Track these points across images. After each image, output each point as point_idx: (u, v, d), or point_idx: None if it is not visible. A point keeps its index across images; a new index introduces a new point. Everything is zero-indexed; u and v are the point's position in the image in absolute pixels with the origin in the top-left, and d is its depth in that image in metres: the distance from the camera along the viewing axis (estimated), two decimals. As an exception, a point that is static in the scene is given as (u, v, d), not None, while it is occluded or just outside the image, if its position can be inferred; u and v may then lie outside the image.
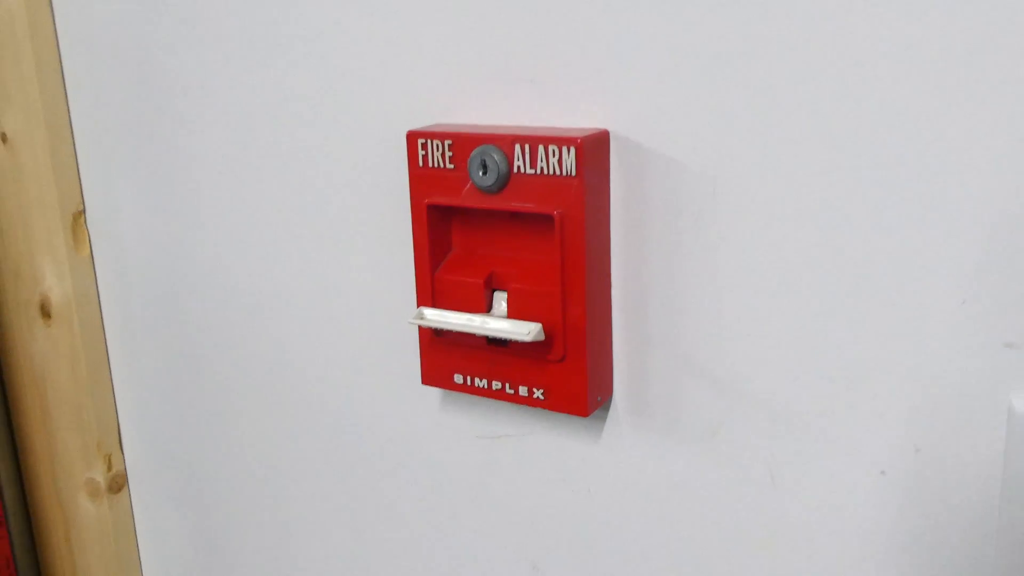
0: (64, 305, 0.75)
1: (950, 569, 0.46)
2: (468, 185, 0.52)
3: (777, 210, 0.46)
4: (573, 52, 0.50)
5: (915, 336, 0.44)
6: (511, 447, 0.58)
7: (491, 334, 0.51)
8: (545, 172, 0.49)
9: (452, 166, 0.52)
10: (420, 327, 0.56)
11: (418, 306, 0.55)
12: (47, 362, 0.78)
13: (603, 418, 0.55)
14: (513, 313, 0.52)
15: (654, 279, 0.51)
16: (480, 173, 0.51)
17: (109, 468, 0.79)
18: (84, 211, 0.74)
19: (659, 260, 0.50)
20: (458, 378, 0.56)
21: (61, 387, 0.78)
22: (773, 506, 0.50)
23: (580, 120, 0.51)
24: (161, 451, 0.78)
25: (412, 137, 0.53)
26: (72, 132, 0.73)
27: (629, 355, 0.53)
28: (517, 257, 0.53)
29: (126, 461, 0.80)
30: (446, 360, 0.56)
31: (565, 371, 0.52)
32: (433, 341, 0.56)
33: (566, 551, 0.58)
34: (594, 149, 0.49)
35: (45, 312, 0.76)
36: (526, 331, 0.50)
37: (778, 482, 0.50)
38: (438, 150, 0.52)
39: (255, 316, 0.68)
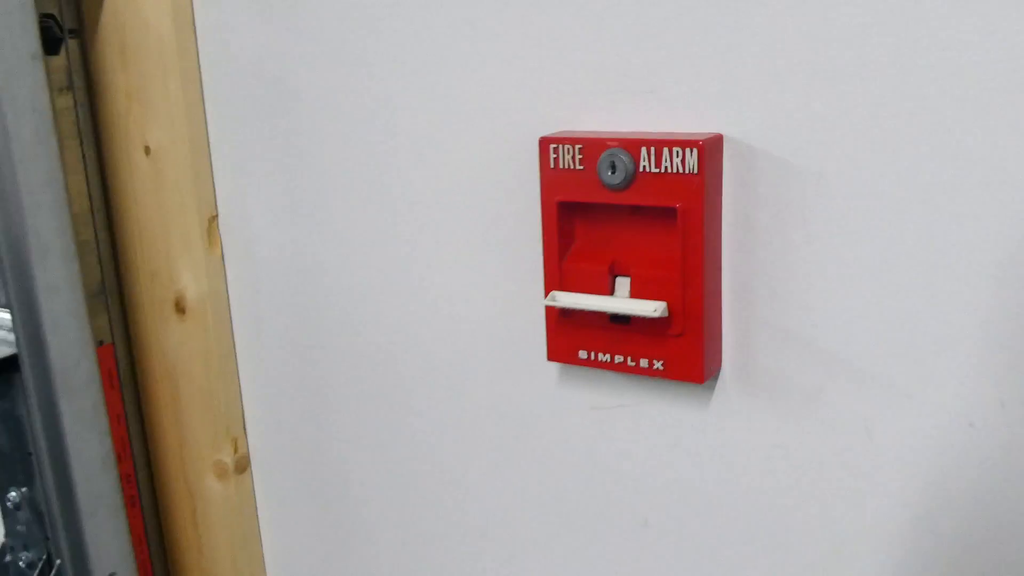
0: (198, 302, 0.83)
1: (1032, 508, 0.53)
2: (596, 183, 0.59)
3: (872, 201, 0.54)
4: (688, 65, 0.57)
5: (998, 303, 0.51)
6: (627, 415, 0.66)
7: (623, 311, 0.59)
8: (669, 171, 0.57)
9: (581, 167, 0.60)
10: (548, 309, 0.63)
11: (547, 292, 0.63)
12: (180, 354, 0.86)
13: (712, 387, 0.62)
14: (635, 295, 0.60)
15: (760, 264, 0.58)
16: (609, 172, 0.58)
17: (235, 450, 0.87)
18: (217, 216, 0.82)
19: (765, 247, 0.58)
20: (582, 354, 0.63)
21: (194, 377, 0.85)
22: (870, 460, 0.57)
23: (694, 126, 0.58)
24: (283, 435, 0.86)
25: (544, 142, 0.61)
26: (208, 144, 0.81)
27: (737, 330, 0.60)
28: (636, 246, 0.61)
29: (249, 445, 0.88)
30: (571, 339, 0.64)
31: (684, 344, 0.59)
32: (560, 322, 0.64)
33: (675, 508, 0.66)
34: (712, 150, 0.56)
35: (180, 308, 0.84)
36: (652, 308, 0.58)
37: (875, 438, 0.57)
38: (568, 153, 0.60)
39: (380, 306, 0.76)
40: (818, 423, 0.59)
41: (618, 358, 0.62)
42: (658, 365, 0.61)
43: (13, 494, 0.90)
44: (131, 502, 0.90)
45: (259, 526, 0.90)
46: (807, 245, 0.56)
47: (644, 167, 0.57)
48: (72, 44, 0.81)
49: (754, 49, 0.55)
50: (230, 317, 0.85)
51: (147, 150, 0.81)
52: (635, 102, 0.60)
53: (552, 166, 0.61)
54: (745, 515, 0.63)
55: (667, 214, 0.58)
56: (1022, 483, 0.53)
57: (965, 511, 0.55)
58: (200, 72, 0.79)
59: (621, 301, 0.60)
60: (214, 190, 0.82)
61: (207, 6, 0.77)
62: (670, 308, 0.59)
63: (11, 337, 0.81)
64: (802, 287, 0.57)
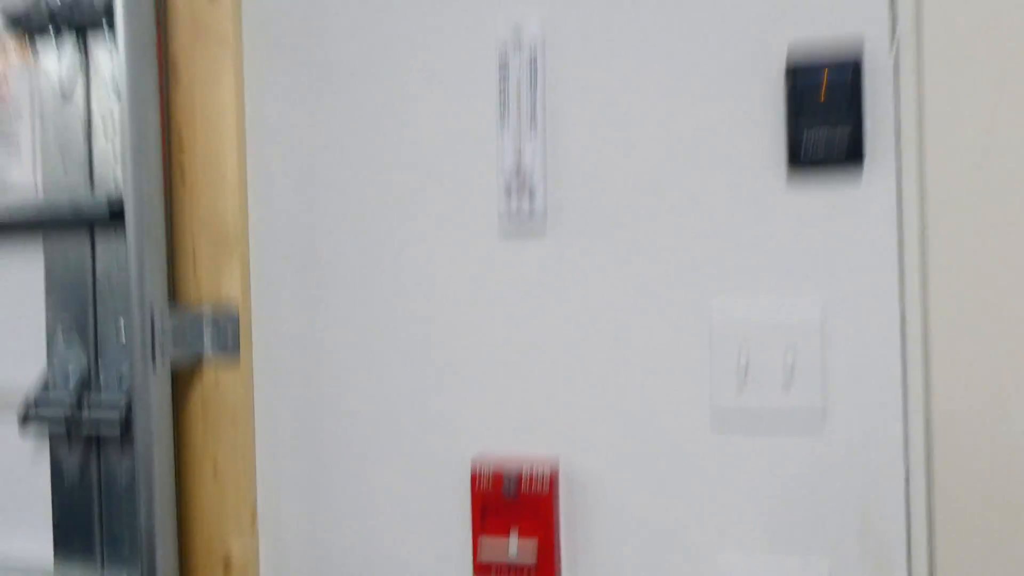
0: (240, 559, 1.39)
1: None
2: (500, 495, 1.29)
3: (609, 491, 1.28)
4: (536, 427, 1.30)
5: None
6: (513, 601, 1.34)
7: (516, 552, 1.28)
8: (535, 490, 1.28)
9: (492, 488, 1.29)
10: (475, 549, 1.31)
11: (474, 541, 1.31)
12: (225, 594, 1.39)
13: (554, 583, 1.32)
14: (521, 536, 1.30)
15: (581, 523, 1.31)
16: (506, 492, 1.29)
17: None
18: (256, 513, 1.40)
19: (588, 517, 1.30)
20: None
21: (233, 607, 1.39)
22: (626, 609, 1.30)
23: (543, 453, 1.30)
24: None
25: (474, 476, 1.30)
26: (255, 466, 1.39)
27: (568, 553, 1.32)
28: (520, 517, 1.31)
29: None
30: (487, 569, 1.31)
31: (545, 560, 1.29)
32: (479, 553, 1.31)
33: (538, 646, 1.34)
34: (555, 478, 1.29)
35: (227, 566, 1.39)
36: (531, 549, 1.28)
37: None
38: (487, 480, 1.29)
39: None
40: (604, 595, 1.31)
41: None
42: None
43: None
44: None
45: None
46: (594, 515, 1.30)
47: (524, 488, 1.29)
48: (171, 414, 1.37)
49: (565, 424, 1.29)
50: (258, 566, 1.41)
51: (215, 471, 1.38)
52: (518, 443, 1.31)
53: (478, 487, 1.30)
54: (572, 643, 1.33)
55: (536, 506, 1.29)
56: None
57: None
58: (255, 439, 1.39)
59: (515, 545, 1.29)
60: (256, 498, 1.40)
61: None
62: (538, 544, 1.29)
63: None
64: (588, 527, 1.30)
